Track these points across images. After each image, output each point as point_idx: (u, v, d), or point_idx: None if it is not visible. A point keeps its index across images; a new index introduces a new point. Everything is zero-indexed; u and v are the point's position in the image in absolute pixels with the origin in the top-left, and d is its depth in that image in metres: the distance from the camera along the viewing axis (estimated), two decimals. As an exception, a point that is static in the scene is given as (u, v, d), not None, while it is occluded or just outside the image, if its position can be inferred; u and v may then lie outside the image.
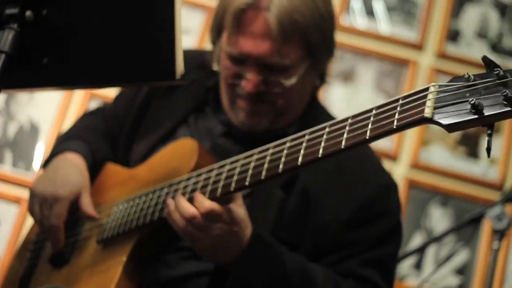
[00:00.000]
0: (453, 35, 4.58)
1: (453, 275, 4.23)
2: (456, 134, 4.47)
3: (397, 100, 1.60)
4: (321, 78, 2.37)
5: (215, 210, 1.91)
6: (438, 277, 4.16)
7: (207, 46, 4.51)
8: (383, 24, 4.70)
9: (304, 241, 2.11)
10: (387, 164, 4.36)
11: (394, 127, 1.58)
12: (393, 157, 4.42)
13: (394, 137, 4.45)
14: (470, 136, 4.48)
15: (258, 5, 2.14)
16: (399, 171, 4.40)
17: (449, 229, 3.48)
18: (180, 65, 1.78)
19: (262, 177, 1.84)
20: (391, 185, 2.24)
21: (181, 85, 2.42)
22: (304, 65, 2.19)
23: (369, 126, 1.64)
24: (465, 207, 4.28)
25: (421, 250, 3.73)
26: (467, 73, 1.49)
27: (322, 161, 1.76)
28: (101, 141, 2.50)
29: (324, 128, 1.76)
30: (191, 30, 4.63)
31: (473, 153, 4.46)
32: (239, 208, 1.95)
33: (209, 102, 2.37)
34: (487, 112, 1.43)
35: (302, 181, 2.16)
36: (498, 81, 1.44)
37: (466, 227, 3.34)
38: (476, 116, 1.44)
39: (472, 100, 1.43)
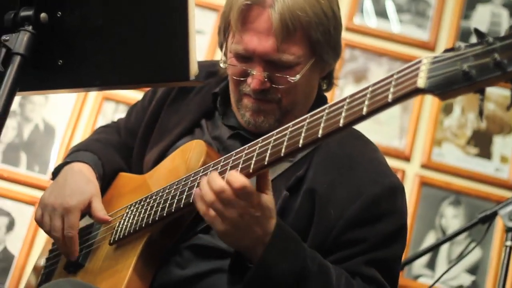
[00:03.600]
0: (464, 35, 4.59)
1: (466, 274, 4.23)
2: (468, 134, 4.47)
3: (392, 75, 1.64)
4: (329, 80, 2.39)
5: (247, 187, 1.88)
6: (451, 276, 4.16)
7: (220, 47, 4.54)
8: (395, 24, 4.70)
9: (309, 239, 2.12)
10: (399, 164, 4.40)
11: (390, 100, 1.61)
12: (406, 157, 4.42)
13: (406, 137, 4.46)
14: (482, 135, 4.48)
15: (263, 2, 2.16)
16: (411, 171, 4.40)
17: (461, 228, 3.48)
18: (194, 66, 1.78)
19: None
20: (398, 187, 2.24)
21: (189, 93, 2.44)
22: (308, 63, 2.21)
23: (366, 102, 1.67)
24: (477, 206, 4.27)
25: (434, 249, 3.74)
26: (458, 43, 1.53)
27: (324, 143, 1.84)
28: (111, 153, 2.52)
29: (324, 109, 1.79)
30: (204, 31, 4.65)
31: (485, 152, 4.46)
32: (268, 196, 1.94)
33: (218, 108, 2.39)
34: (478, 78, 1.47)
35: (308, 182, 2.16)
36: (487, 48, 1.47)
37: (478, 225, 3.34)
38: (467, 83, 1.48)
39: (463, 67, 1.47)
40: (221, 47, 2.34)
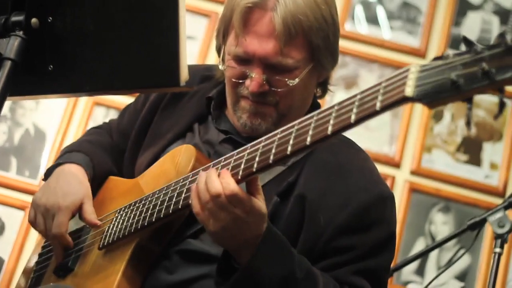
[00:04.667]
0: (455, 42, 4.61)
1: (456, 280, 4.24)
2: (458, 141, 4.49)
3: (380, 83, 1.64)
4: (324, 87, 2.40)
5: (239, 194, 1.90)
6: (440, 283, 4.17)
7: (211, 52, 4.55)
8: (386, 31, 4.72)
9: (299, 245, 2.12)
10: (389, 170, 4.41)
11: (377, 109, 1.62)
12: (396, 163, 4.43)
13: (396, 144, 4.46)
14: (472, 142, 4.50)
15: (264, 5, 2.16)
16: (401, 177, 4.41)
17: (451, 234, 3.49)
18: (184, 72, 1.78)
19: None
20: (388, 196, 2.24)
21: (183, 98, 2.44)
22: (307, 68, 2.21)
23: (354, 110, 1.67)
24: (467, 212, 4.28)
25: (423, 256, 3.74)
26: (446, 52, 1.54)
27: (313, 150, 1.85)
28: (102, 155, 2.51)
29: (312, 117, 1.79)
30: (196, 37, 4.65)
31: (475, 159, 4.47)
32: (259, 201, 1.95)
33: (211, 112, 2.39)
34: (465, 87, 1.47)
35: (299, 188, 2.16)
36: (475, 57, 1.48)
37: (468, 232, 3.35)
38: (455, 92, 1.48)
39: (451, 76, 1.48)
40: (218, 50, 2.34)
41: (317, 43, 2.20)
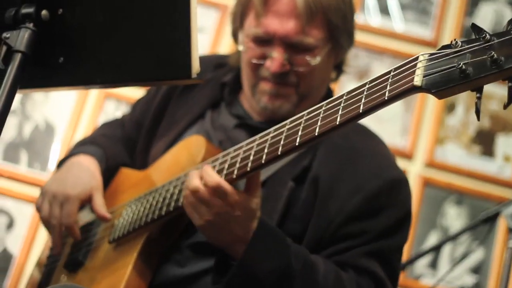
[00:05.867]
0: (467, 33, 4.58)
1: (469, 274, 4.22)
2: (471, 132, 4.46)
3: (389, 72, 1.63)
4: (339, 69, 2.39)
5: (222, 186, 1.92)
6: (454, 276, 4.15)
7: (222, 44, 4.53)
8: (398, 22, 4.69)
9: (309, 229, 2.11)
10: (402, 163, 4.37)
11: (386, 98, 1.60)
12: (408, 156, 4.41)
13: (409, 136, 4.44)
14: (485, 134, 4.47)
15: None
16: (414, 170, 4.39)
17: (464, 227, 3.47)
18: (196, 64, 1.77)
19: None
20: (402, 180, 2.23)
21: (198, 85, 2.43)
22: (326, 48, 2.22)
23: (363, 100, 1.66)
24: (480, 205, 4.26)
25: (436, 249, 3.72)
26: (455, 40, 1.51)
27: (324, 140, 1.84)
28: (116, 147, 2.52)
29: (321, 106, 1.78)
30: (206, 29, 4.64)
31: (488, 151, 4.45)
32: (250, 197, 1.96)
33: (224, 97, 2.38)
34: (474, 75, 1.45)
35: (313, 172, 2.16)
36: (484, 45, 1.45)
37: (481, 225, 3.33)
38: (464, 81, 1.46)
39: (460, 65, 1.45)
40: (234, 34, 2.34)
41: (336, 22, 2.21)
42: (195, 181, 1.96)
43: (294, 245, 2.05)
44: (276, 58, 2.19)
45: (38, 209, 2.34)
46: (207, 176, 1.95)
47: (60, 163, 2.46)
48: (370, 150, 2.27)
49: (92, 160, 2.40)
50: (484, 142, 4.46)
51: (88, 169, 2.36)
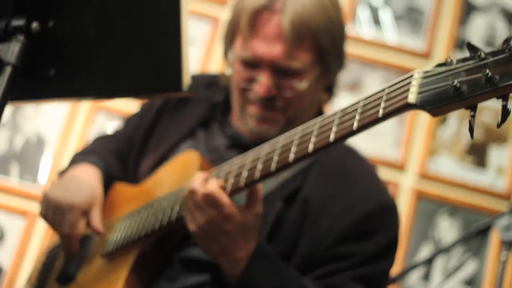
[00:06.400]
0: (460, 44, 4.58)
1: (462, 286, 4.21)
2: (464, 144, 4.46)
3: (383, 90, 1.62)
4: (330, 90, 2.38)
5: (214, 196, 1.91)
6: (447, 288, 4.15)
7: (214, 57, 4.52)
8: (390, 33, 4.69)
9: (298, 250, 2.10)
10: (394, 175, 4.38)
11: (380, 116, 1.59)
12: (401, 167, 4.40)
13: (401, 147, 4.44)
14: (478, 145, 4.47)
15: (272, 7, 2.16)
16: (406, 182, 4.38)
17: (457, 240, 3.46)
18: (187, 77, 1.77)
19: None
20: (391, 206, 2.23)
21: (189, 103, 2.43)
22: (315, 72, 2.20)
23: (356, 117, 1.65)
24: (473, 217, 4.26)
25: (429, 261, 3.71)
26: (450, 58, 1.51)
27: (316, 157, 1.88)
28: (113, 160, 2.51)
29: (314, 124, 1.77)
30: (198, 41, 4.63)
31: (481, 163, 4.45)
32: (247, 211, 1.95)
33: (216, 117, 2.37)
34: (469, 93, 1.44)
35: (304, 193, 2.15)
36: (479, 63, 1.45)
37: (474, 238, 3.32)
38: (458, 99, 1.45)
39: (454, 83, 1.45)
40: (225, 55, 2.33)
41: (325, 45, 2.19)
42: (195, 183, 1.95)
43: (287, 268, 2.04)
44: (263, 83, 2.17)
45: (44, 218, 2.31)
46: (206, 182, 1.95)
47: (62, 172, 2.45)
48: (363, 172, 2.26)
49: (95, 170, 2.39)
50: (477, 154, 4.46)
51: (91, 178, 2.35)
